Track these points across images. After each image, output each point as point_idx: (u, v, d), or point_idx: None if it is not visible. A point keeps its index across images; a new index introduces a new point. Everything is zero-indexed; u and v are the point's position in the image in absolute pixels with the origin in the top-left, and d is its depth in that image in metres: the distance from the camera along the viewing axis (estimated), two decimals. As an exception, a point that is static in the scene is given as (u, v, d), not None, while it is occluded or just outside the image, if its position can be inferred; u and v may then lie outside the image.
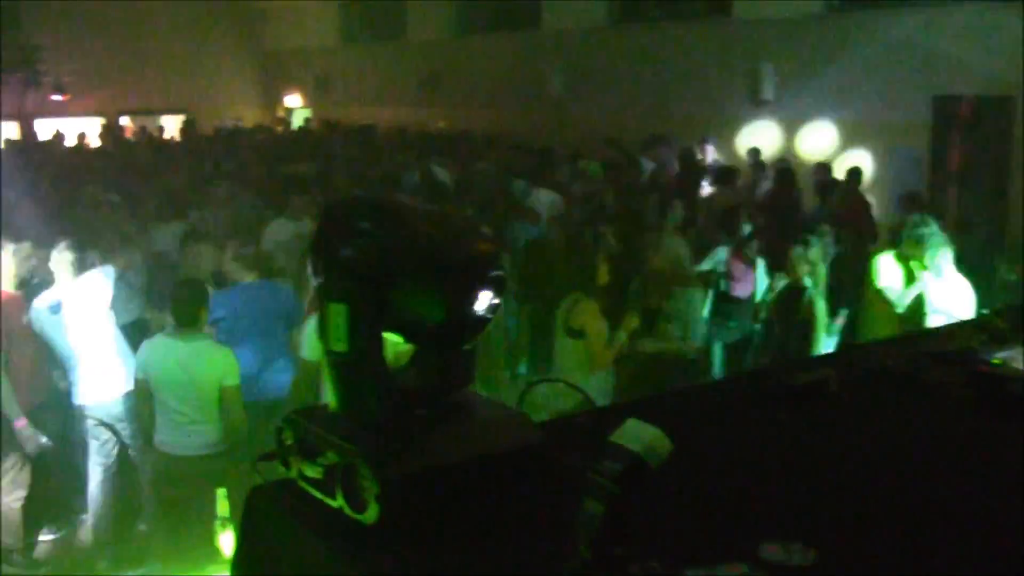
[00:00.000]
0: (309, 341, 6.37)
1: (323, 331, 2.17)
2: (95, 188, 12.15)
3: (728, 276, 8.99)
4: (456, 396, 2.30)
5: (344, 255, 2.16)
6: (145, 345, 6.42)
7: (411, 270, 2.13)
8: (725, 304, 9.01)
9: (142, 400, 6.41)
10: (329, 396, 2.20)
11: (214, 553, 4.95)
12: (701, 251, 9.07)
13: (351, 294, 2.12)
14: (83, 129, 21.84)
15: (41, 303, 7.07)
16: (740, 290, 8.98)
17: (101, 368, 7.07)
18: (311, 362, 6.35)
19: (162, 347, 6.29)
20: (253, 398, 6.58)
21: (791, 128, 14.90)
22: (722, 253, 9.02)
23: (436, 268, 2.15)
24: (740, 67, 15.53)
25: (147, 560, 6.15)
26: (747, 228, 9.29)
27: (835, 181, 12.31)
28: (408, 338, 2.24)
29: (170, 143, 20.73)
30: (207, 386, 6.09)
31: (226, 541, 4.78)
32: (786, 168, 12.62)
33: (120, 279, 7.39)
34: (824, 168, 12.92)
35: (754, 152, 14.35)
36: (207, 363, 6.14)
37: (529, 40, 19.95)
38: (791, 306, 7.89)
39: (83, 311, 6.99)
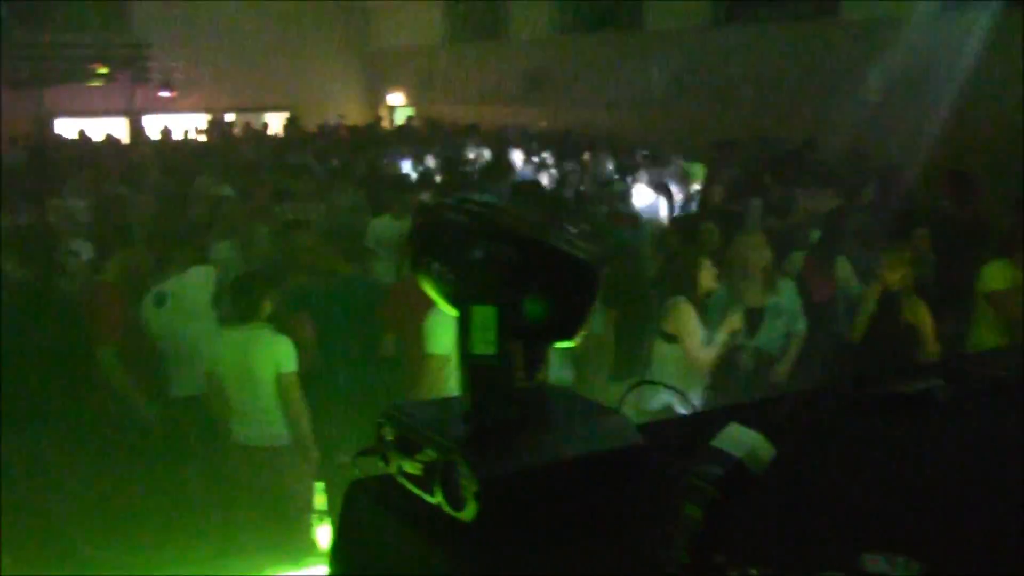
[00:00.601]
0: (433, 336, 6.35)
1: (464, 333, 2.15)
2: (208, 181, 12.39)
3: (805, 279, 8.80)
4: (557, 396, 2.29)
5: (487, 257, 2.13)
6: (211, 339, 6.57)
7: (539, 273, 2.12)
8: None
9: (213, 393, 6.51)
10: (463, 397, 2.19)
11: (311, 546, 5.00)
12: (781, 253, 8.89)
13: (500, 297, 2.10)
14: (190, 125, 22.31)
15: (148, 295, 7.24)
16: (818, 296, 8.78)
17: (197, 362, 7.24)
18: (440, 356, 6.33)
19: (224, 339, 6.44)
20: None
21: (898, 130, 14.61)
22: (797, 257, 8.84)
23: (559, 271, 2.14)
24: (848, 68, 15.28)
25: (244, 551, 6.22)
26: (816, 233, 9.05)
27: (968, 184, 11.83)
28: (514, 338, 2.23)
29: (274, 139, 21.03)
30: (265, 375, 6.18)
31: (323, 535, 4.82)
32: (891, 171, 12.33)
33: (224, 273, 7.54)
34: (959, 174, 12.46)
35: (859, 154, 14.09)
36: (263, 351, 6.23)
37: (632, 40, 19.87)
38: (890, 313, 7.69)
39: (187, 304, 7.14)
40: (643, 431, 2.32)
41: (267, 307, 6.31)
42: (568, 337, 2.24)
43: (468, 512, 2.00)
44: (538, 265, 2.11)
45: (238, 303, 6.32)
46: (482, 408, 2.16)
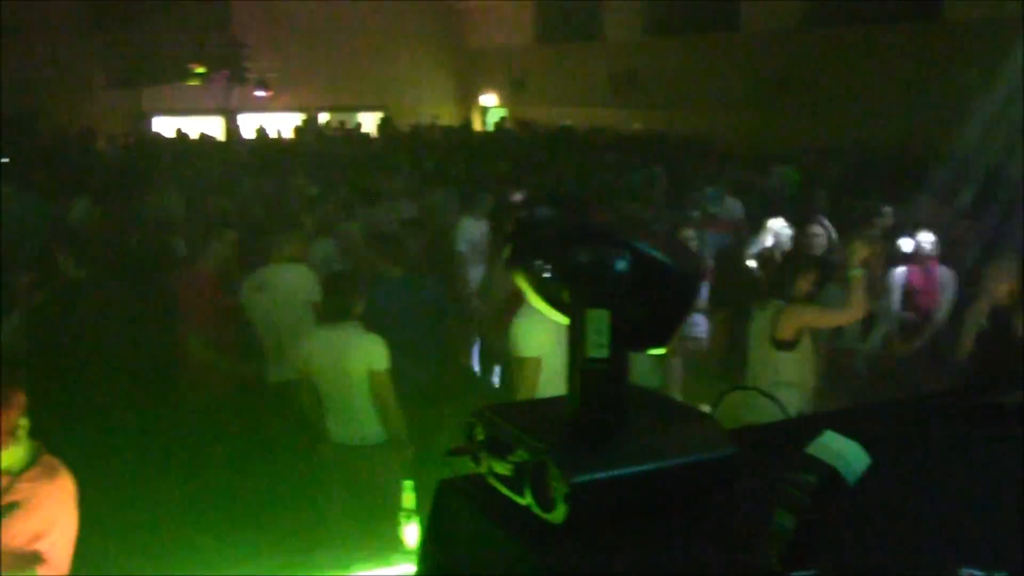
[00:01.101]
0: (526, 338, 6.31)
1: (576, 336, 2.14)
2: (303, 181, 12.54)
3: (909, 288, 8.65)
4: (650, 400, 2.28)
5: (598, 261, 2.13)
6: (304, 337, 6.60)
7: (645, 278, 2.11)
8: None
9: (306, 391, 6.54)
10: (568, 399, 2.18)
11: (398, 544, 5.02)
12: None
13: (614, 300, 2.10)
14: (284, 124, 22.61)
15: (250, 280, 7.40)
16: (924, 304, 8.62)
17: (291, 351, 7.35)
18: (532, 358, 6.33)
19: (317, 338, 6.45)
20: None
21: (1000, 136, 14.29)
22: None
23: (659, 278, 2.14)
24: (948, 71, 14.98)
25: (332, 546, 6.28)
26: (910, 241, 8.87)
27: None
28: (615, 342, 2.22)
29: (367, 139, 21.21)
30: (357, 373, 6.20)
31: (410, 532, 4.84)
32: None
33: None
34: None
35: (961, 160, 13.78)
36: (356, 350, 6.24)
37: (727, 41, 19.70)
38: (1002, 327, 7.47)
39: (283, 294, 7.26)
40: (737, 436, 2.30)
41: (359, 306, 6.34)
42: (661, 343, 2.23)
43: (557, 514, 2.00)
44: (641, 270, 2.10)
45: (331, 302, 6.37)
46: (590, 411, 2.15)
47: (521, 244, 2.23)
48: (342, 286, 6.37)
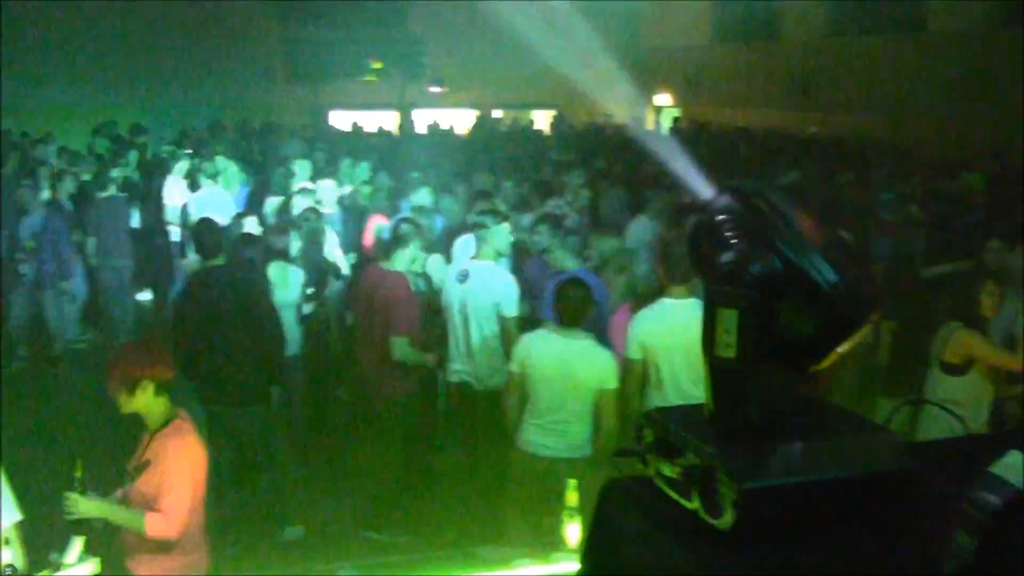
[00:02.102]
0: (629, 341, 6.39)
1: (707, 335, 2.14)
2: (485, 176, 12.66)
3: None
4: (825, 410, 2.23)
5: (735, 260, 2.11)
6: (525, 339, 6.42)
7: (799, 283, 2.07)
8: None
9: (513, 394, 6.43)
10: (706, 400, 2.17)
11: (559, 542, 5.03)
12: None
13: (744, 301, 2.08)
14: (458, 120, 22.89)
15: (452, 270, 7.50)
16: None
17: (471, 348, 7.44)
18: (634, 361, 6.37)
19: (544, 343, 6.26)
20: None
21: None
22: None
23: (826, 284, 2.08)
24: None
25: (497, 540, 6.34)
26: None
27: None
28: (775, 351, 2.18)
29: (540, 136, 21.31)
30: (585, 387, 6.06)
31: (572, 531, 4.84)
32: None
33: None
34: None
35: None
36: (588, 363, 6.09)
37: (912, 42, 19.12)
38: None
39: (482, 288, 7.34)
40: (913, 450, 2.23)
41: (590, 314, 6.22)
42: (813, 362, 2.17)
43: (725, 520, 1.97)
44: (791, 279, 2.06)
45: (565, 309, 6.17)
46: (721, 411, 2.13)
47: (694, 245, 2.22)
48: (575, 292, 6.22)
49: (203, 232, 7.47)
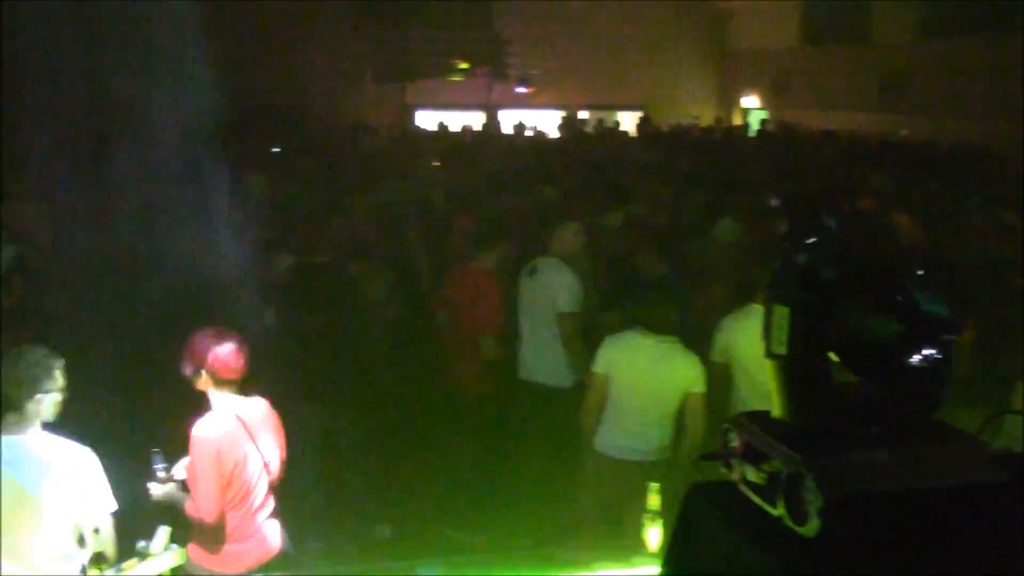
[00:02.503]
0: (717, 344, 6.42)
1: (765, 332, 2.15)
2: (567, 177, 12.67)
3: None
4: (917, 420, 2.20)
5: (795, 258, 2.13)
6: (610, 341, 6.38)
7: (865, 284, 2.06)
8: None
9: (595, 395, 6.39)
10: (772, 400, 2.17)
11: (640, 546, 5.03)
12: None
13: (795, 298, 2.08)
14: (544, 121, 22.90)
15: (525, 267, 7.55)
16: None
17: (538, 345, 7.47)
18: (718, 364, 6.37)
19: (631, 346, 6.24)
20: None
21: None
22: None
23: (896, 287, 2.07)
24: None
25: (575, 542, 6.34)
26: None
27: None
28: (848, 354, 2.17)
29: (625, 138, 21.24)
30: (671, 391, 6.05)
31: (653, 535, 4.83)
32: None
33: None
34: None
35: None
36: (676, 367, 6.07)
37: (1006, 43, 18.70)
38: None
39: (552, 284, 7.35)
40: (1002, 462, 2.20)
41: (676, 319, 6.20)
42: (892, 368, 2.14)
43: (810, 528, 1.96)
44: (867, 287, 2.05)
45: (653, 313, 6.17)
46: (782, 409, 2.14)
47: (786, 241, 2.22)
48: (663, 296, 6.26)
49: (306, 228, 7.54)
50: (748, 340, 6.21)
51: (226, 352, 4.99)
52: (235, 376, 5.03)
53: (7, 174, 11.12)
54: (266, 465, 5.13)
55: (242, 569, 5.06)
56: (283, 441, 5.27)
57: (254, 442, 5.04)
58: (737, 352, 6.38)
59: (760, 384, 6.14)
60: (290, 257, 8.26)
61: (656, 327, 6.14)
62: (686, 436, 6.09)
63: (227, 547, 5.02)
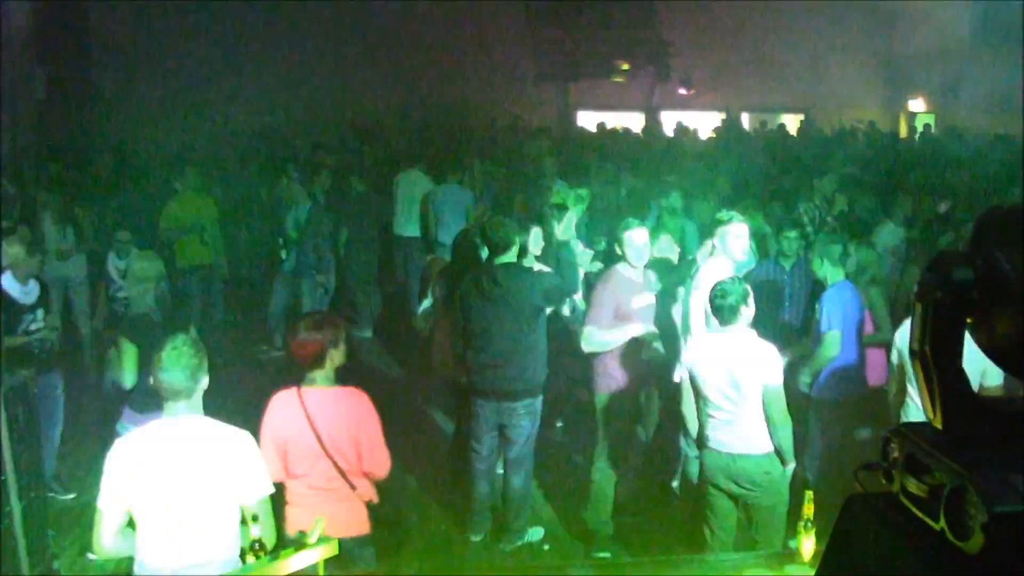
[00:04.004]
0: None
1: (912, 332, 2.13)
2: (722, 181, 12.56)
3: None
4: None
5: (938, 259, 2.09)
6: (692, 341, 6.59)
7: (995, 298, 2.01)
8: None
9: (685, 395, 6.50)
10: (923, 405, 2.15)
11: (792, 553, 4.97)
12: None
13: (931, 295, 2.04)
14: (704, 123, 22.73)
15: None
16: None
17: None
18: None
19: (707, 343, 6.36)
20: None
21: None
22: None
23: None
24: None
25: (723, 550, 6.29)
26: None
27: None
28: (1002, 362, 2.12)
29: (787, 141, 20.94)
30: (749, 383, 6.04)
31: (807, 544, 4.77)
32: None
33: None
34: None
35: None
36: (749, 359, 6.07)
37: None
38: None
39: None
40: None
41: (747, 312, 6.17)
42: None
43: (973, 544, 1.91)
44: (995, 291, 2.00)
45: (721, 308, 6.19)
46: (925, 410, 2.10)
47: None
48: (732, 290, 6.22)
49: (493, 229, 7.62)
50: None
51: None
52: (299, 359, 5.37)
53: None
54: (323, 447, 5.33)
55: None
56: (364, 433, 5.40)
57: (310, 424, 5.30)
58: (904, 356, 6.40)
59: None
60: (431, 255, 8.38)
61: (726, 322, 6.16)
62: (770, 428, 6.06)
63: (294, 514, 5.32)
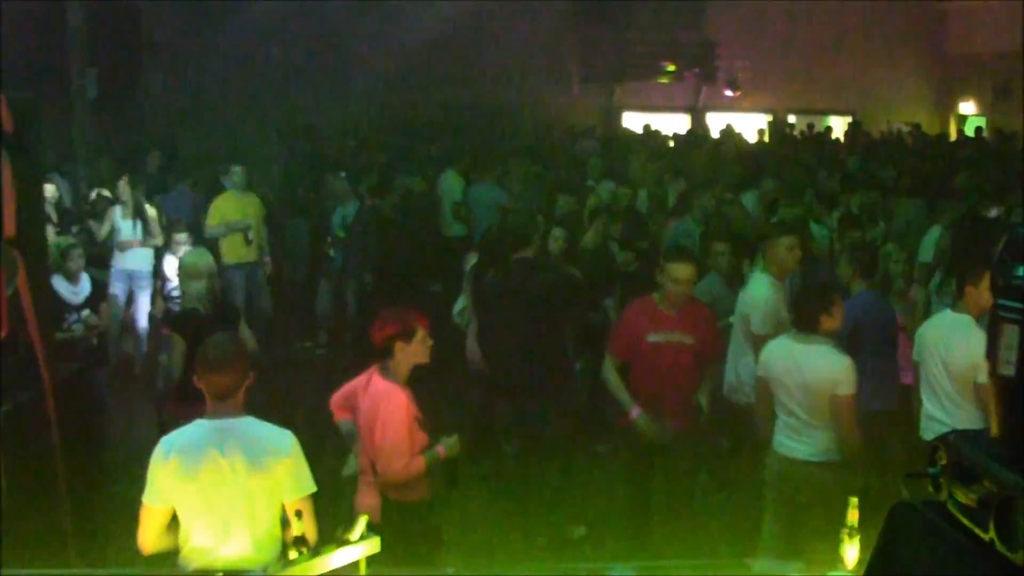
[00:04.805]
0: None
1: (991, 352, 2.08)
2: (768, 184, 12.48)
3: None
4: None
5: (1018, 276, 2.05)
6: (769, 344, 6.48)
7: None
8: None
9: (761, 398, 6.47)
10: (992, 421, 2.10)
11: (836, 560, 4.92)
12: None
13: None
14: (750, 125, 22.61)
15: None
16: None
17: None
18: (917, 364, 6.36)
19: (782, 348, 6.30)
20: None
21: None
22: None
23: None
24: None
25: (765, 555, 6.25)
26: None
27: None
28: None
29: (834, 145, 20.79)
30: (819, 392, 6.01)
31: (851, 552, 4.72)
32: None
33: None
34: None
35: None
36: (822, 369, 6.03)
37: None
38: None
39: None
40: None
41: (827, 322, 6.11)
42: None
43: (1022, 556, 1.88)
44: None
45: (798, 314, 6.22)
46: (1006, 431, 2.05)
47: (995, 270, 2.15)
48: (813, 298, 6.20)
49: (518, 225, 7.63)
50: (936, 347, 6.40)
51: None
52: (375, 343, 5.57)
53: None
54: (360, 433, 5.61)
55: None
56: (380, 428, 5.49)
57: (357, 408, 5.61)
58: (926, 358, 6.51)
59: (948, 393, 6.35)
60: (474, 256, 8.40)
61: (803, 328, 6.14)
62: (838, 439, 6.05)
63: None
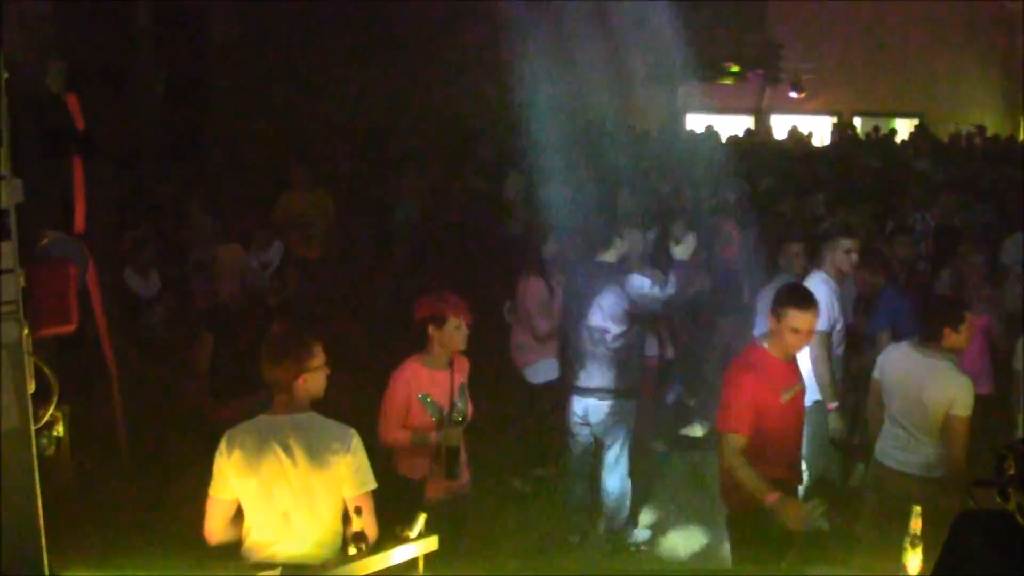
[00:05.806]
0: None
1: None
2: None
3: None
4: None
5: None
6: (888, 349, 6.44)
7: None
8: None
9: (873, 402, 6.44)
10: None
11: (899, 569, 4.86)
12: None
13: None
14: (815, 127, 22.40)
15: None
16: None
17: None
18: (1017, 371, 6.41)
19: (900, 356, 6.22)
20: None
21: None
22: None
23: None
24: None
25: (853, 560, 6.24)
26: None
27: None
28: None
29: (900, 147, 20.56)
30: (933, 408, 5.92)
31: (913, 561, 4.66)
32: None
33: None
34: None
35: None
36: (940, 385, 5.93)
37: None
38: None
39: None
40: None
41: (952, 337, 6.01)
42: None
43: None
44: None
45: (924, 323, 6.14)
46: None
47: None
48: (943, 311, 6.12)
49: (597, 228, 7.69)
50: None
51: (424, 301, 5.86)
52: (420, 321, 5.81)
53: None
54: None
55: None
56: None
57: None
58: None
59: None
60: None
61: (927, 340, 6.05)
62: (948, 457, 5.94)
63: None
